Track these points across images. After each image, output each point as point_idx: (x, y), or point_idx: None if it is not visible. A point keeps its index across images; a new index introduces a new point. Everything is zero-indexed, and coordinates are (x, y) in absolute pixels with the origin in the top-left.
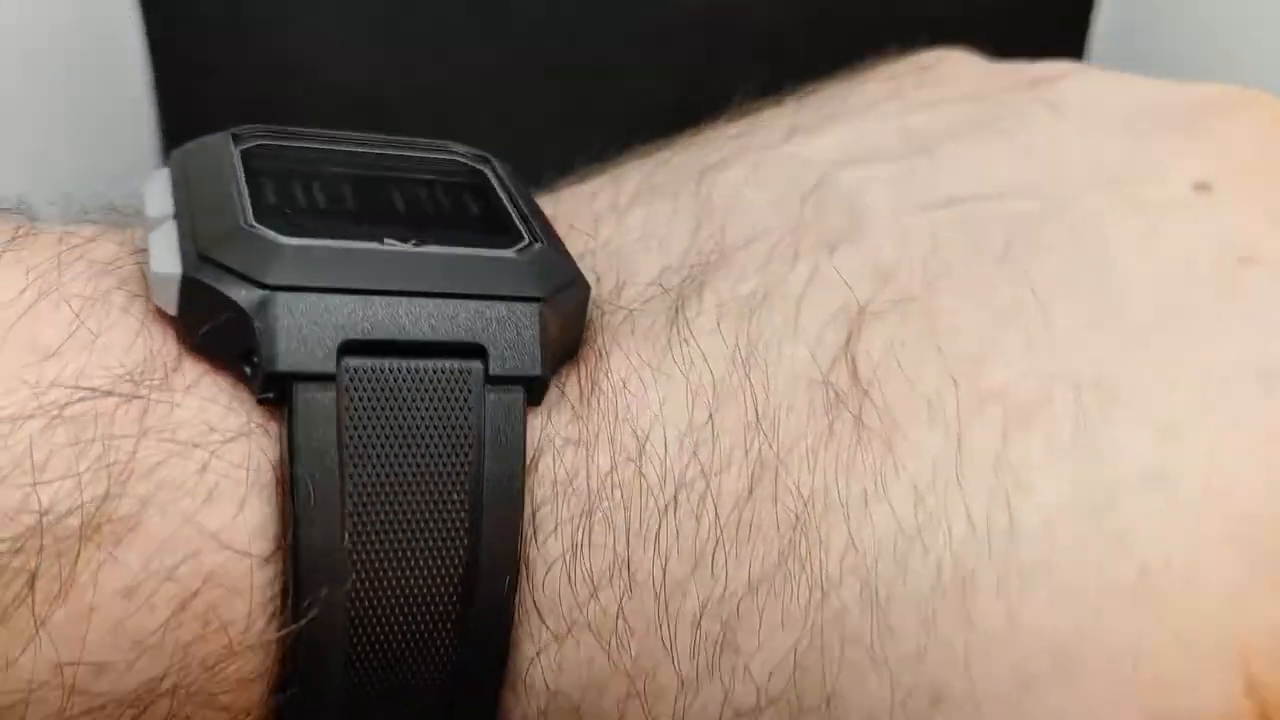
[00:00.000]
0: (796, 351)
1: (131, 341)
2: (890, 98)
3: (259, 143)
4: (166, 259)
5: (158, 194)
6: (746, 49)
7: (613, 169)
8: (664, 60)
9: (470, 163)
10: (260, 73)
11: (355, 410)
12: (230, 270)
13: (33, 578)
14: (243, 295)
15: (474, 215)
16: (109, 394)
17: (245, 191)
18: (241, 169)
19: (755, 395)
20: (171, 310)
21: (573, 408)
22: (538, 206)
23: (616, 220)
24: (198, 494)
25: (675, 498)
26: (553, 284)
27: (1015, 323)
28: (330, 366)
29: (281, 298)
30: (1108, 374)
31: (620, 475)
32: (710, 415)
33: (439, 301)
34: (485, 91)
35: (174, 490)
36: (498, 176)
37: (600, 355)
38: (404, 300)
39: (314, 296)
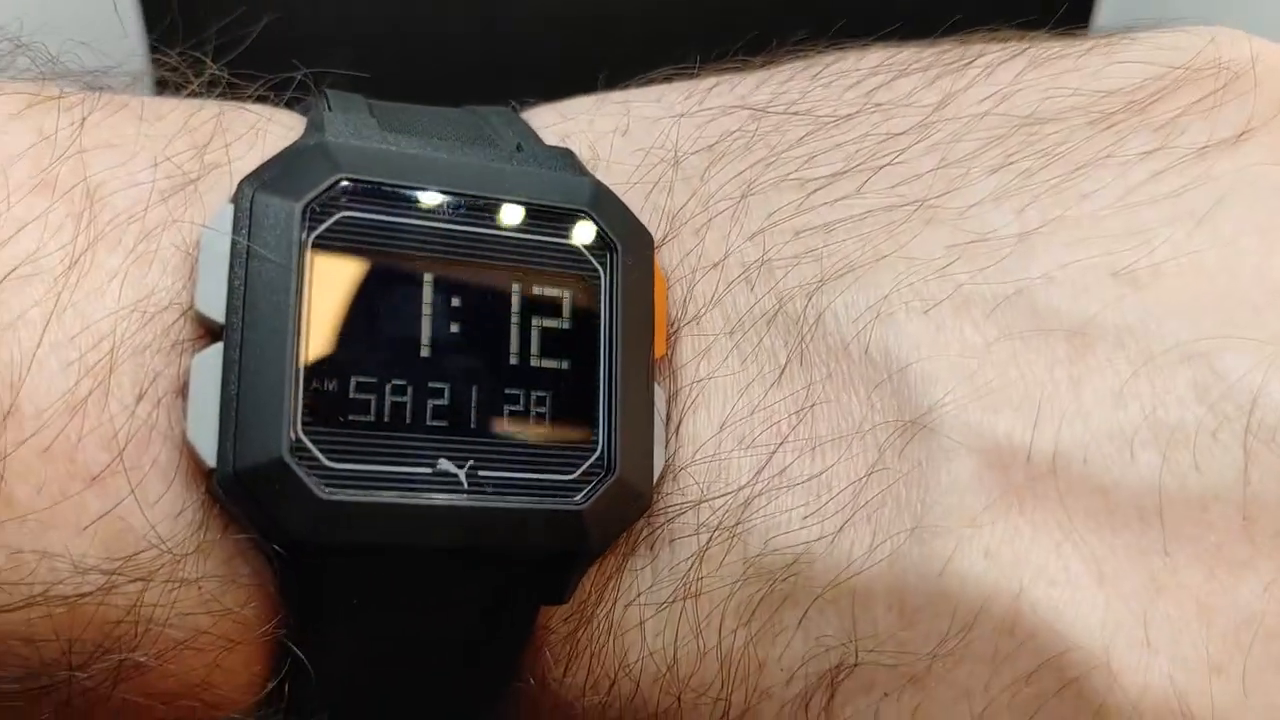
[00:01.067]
0: None
1: (168, 480)
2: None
3: (341, 216)
4: (203, 424)
5: (215, 265)
6: (746, 47)
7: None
8: (665, 53)
9: (592, 256)
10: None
11: (366, 630)
12: (262, 509)
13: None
14: (274, 535)
15: (552, 395)
16: (138, 580)
17: (302, 360)
18: (306, 298)
19: (735, 684)
20: (204, 466)
21: (572, 618)
22: (644, 332)
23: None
24: (209, 661)
25: None
26: (610, 528)
27: None
28: (350, 606)
29: (313, 553)
30: None
31: (592, 689)
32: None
33: (479, 556)
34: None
35: (189, 657)
36: (611, 281)
37: (613, 580)
38: (443, 557)
39: (347, 553)
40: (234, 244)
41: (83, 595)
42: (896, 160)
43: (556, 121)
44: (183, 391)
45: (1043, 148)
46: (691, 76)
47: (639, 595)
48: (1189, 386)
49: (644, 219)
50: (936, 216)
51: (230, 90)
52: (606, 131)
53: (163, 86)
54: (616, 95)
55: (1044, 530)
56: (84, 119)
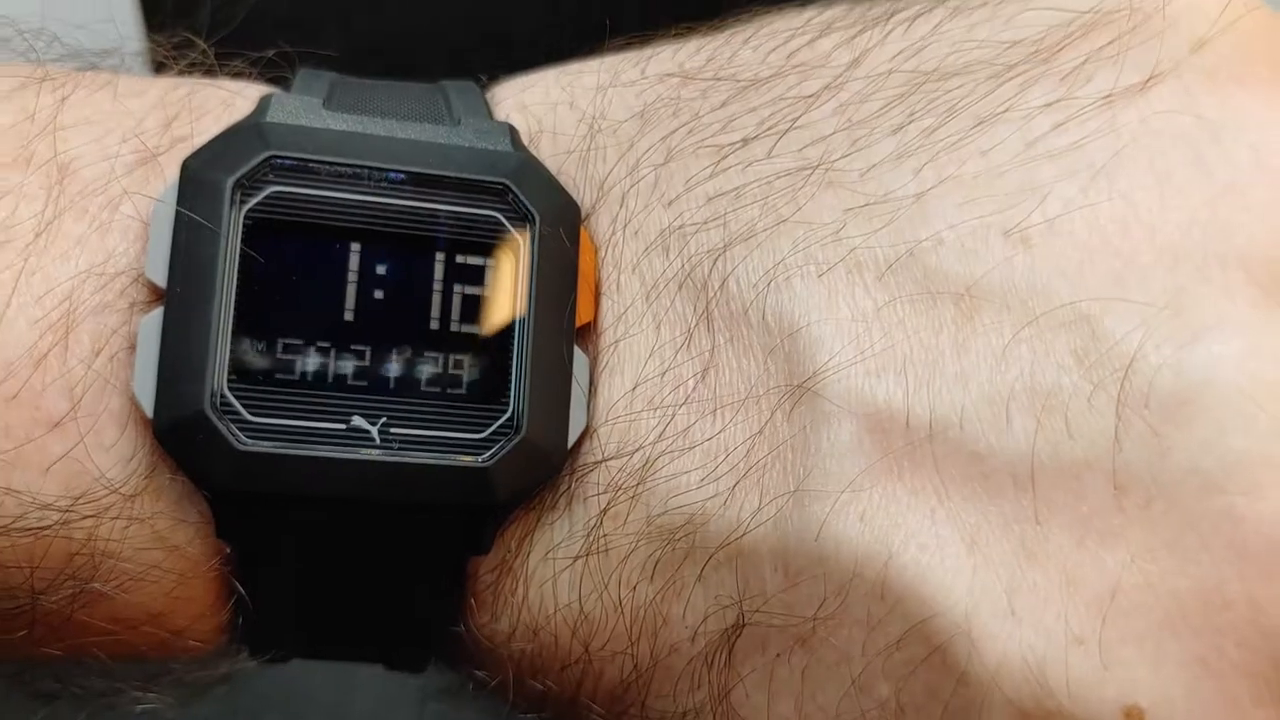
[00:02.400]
0: None
1: (121, 426)
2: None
3: (271, 191)
4: (145, 379)
5: (160, 234)
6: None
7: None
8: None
9: (512, 226)
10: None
11: (299, 565)
12: (188, 457)
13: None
14: (199, 480)
15: (469, 359)
16: (91, 516)
17: (230, 321)
18: (236, 265)
19: (642, 637)
20: (146, 417)
21: (496, 569)
22: (560, 300)
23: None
24: (166, 590)
25: (560, 671)
26: (515, 484)
27: None
28: (275, 546)
29: (234, 497)
30: None
31: (516, 639)
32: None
33: (389, 509)
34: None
35: (148, 586)
36: (530, 251)
37: (530, 534)
38: (354, 508)
39: (265, 499)
40: (176, 215)
41: (44, 528)
42: (803, 122)
43: (515, 94)
44: (134, 348)
45: (945, 103)
46: (645, 44)
47: (552, 549)
48: (1068, 350)
49: (578, 186)
50: (836, 179)
51: (220, 67)
52: (555, 102)
53: (161, 68)
54: (574, 66)
55: (920, 496)
56: (65, 98)
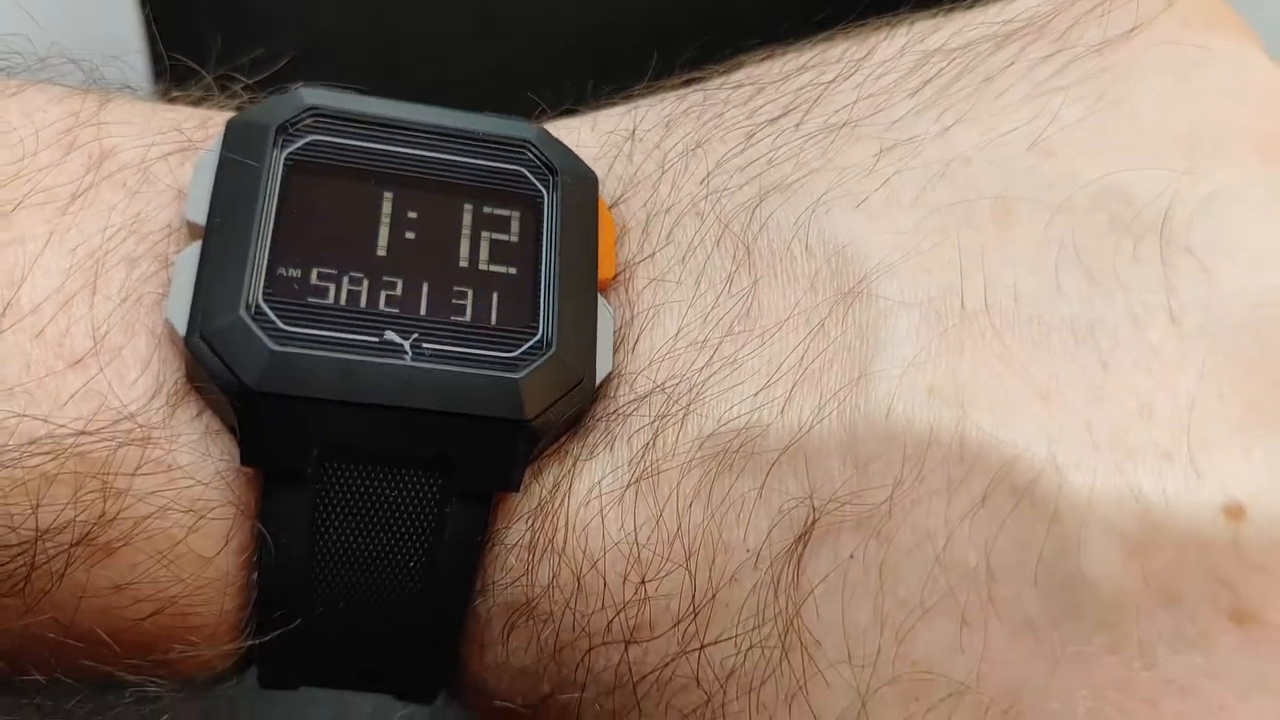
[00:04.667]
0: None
1: (145, 364)
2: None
3: (311, 139)
4: (179, 304)
5: (203, 179)
6: (747, 47)
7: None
8: (665, 55)
9: (535, 179)
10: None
11: (325, 504)
12: (221, 360)
13: (29, 573)
14: (231, 385)
15: (499, 292)
16: (106, 440)
17: (266, 247)
18: (275, 200)
19: (699, 568)
20: (179, 342)
21: (530, 517)
22: (585, 243)
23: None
24: (175, 540)
25: (609, 624)
26: (546, 400)
27: None
28: (304, 467)
29: (264, 401)
30: None
31: (558, 588)
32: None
33: (419, 417)
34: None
35: (156, 536)
36: (553, 200)
37: (568, 475)
38: (384, 414)
39: (296, 403)
40: (220, 160)
41: (54, 453)
42: (825, 99)
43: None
44: (167, 293)
45: (955, 68)
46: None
47: (595, 487)
48: (1105, 217)
49: (607, 186)
50: (864, 133)
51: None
52: (577, 126)
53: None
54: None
55: (984, 362)
56: (107, 101)
